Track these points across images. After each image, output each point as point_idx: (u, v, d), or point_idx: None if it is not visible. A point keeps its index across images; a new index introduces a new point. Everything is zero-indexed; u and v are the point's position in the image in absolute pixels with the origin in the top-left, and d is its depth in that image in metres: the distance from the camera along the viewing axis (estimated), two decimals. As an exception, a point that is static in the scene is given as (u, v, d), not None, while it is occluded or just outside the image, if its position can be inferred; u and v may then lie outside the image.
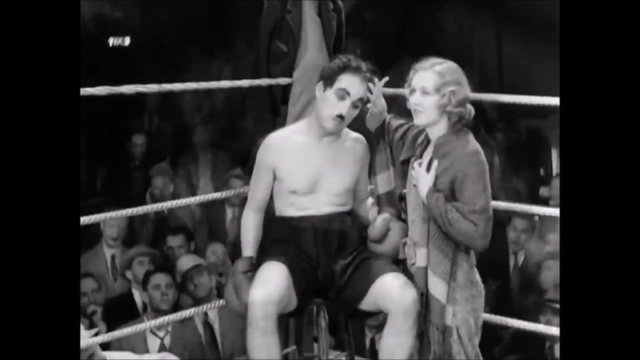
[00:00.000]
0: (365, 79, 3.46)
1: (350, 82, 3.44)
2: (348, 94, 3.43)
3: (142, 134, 7.95)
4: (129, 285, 5.75)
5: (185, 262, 5.53)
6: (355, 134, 3.60)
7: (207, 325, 5.32)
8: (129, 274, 5.74)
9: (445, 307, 3.27)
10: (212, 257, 5.86)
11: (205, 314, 5.29)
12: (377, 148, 3.61)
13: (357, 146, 3.59)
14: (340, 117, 3.44)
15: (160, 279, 5.21)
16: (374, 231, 3.51)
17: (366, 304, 3.45)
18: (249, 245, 3.59)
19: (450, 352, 3.29)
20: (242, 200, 3.66)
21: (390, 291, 3.36)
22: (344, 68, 3.44)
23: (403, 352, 3.36)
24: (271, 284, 3.34)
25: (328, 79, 3.45)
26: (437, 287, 3.27)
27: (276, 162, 3.50)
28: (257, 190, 3.59)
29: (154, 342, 5.08)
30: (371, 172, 3.65)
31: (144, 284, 5.28)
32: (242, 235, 3.63)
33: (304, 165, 3.49)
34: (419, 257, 3.32)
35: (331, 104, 3.44)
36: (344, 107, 3.44)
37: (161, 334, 5.11)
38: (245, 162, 5.81)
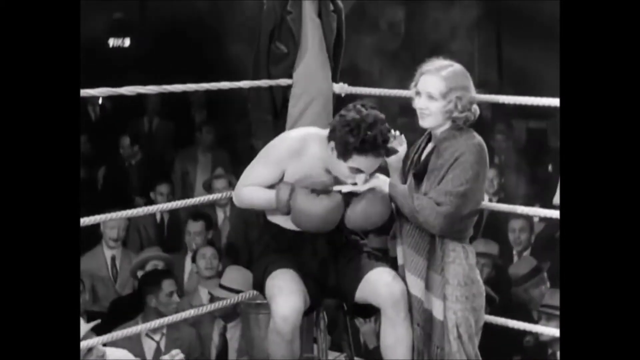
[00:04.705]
0: (381, 156, 3.30)
1: (363, 163, 3.29)
2: (361, 171, 3.32)
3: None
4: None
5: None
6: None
7: (223, 337, 5.27)
8: (140, 274, 5.63)
9: (423, 303, 3.31)
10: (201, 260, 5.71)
11: (224, 326, 5.25)
12: None
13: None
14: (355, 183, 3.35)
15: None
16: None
17: (359, 300, 3.46)
18: (267, 192, 3.41)
19: (449, 350, 3.30)
20: (229, 200, 3.56)
21: (378, 286, 3.39)
22: (359, 149, 3.25)
23: (402, 344, 3.37)
24: (295, 295, 3.35)
25: (341, 151, 3.29)
26: (413, 284, 3.33)
27: (290, 164, 3.41)
28: (257, 177, 3.43)
29: (150, 345, 5.03)
30: None
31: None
32: (255, 198, 3.45)
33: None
34: (398, 255, 3.38)
35: (345, 173, 3.34)
36: (359, 179, 3.33)
37: (157, 337, 5.05)
38: (240, 162, 5.77)
